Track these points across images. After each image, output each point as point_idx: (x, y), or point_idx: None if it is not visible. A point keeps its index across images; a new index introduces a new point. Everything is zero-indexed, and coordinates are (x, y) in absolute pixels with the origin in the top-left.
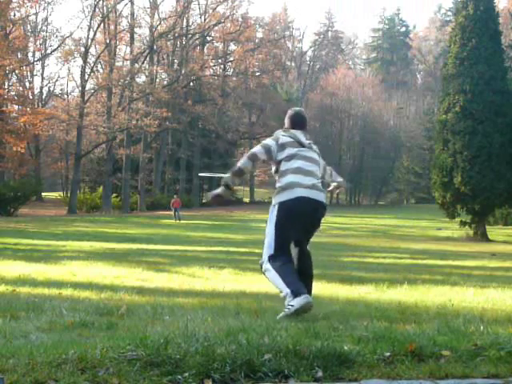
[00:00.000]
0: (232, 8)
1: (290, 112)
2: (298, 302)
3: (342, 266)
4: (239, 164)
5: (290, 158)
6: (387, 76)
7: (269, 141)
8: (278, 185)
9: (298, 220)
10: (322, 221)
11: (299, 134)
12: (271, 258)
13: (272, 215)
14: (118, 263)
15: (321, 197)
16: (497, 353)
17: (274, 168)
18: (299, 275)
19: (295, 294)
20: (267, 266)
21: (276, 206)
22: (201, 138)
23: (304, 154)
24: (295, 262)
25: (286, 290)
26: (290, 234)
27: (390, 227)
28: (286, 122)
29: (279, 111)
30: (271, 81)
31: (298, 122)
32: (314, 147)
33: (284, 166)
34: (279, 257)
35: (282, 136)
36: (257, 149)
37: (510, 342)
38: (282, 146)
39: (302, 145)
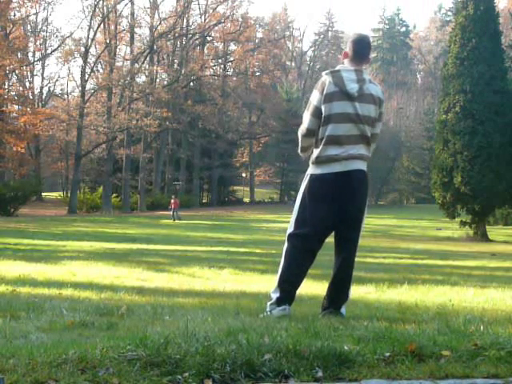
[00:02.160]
0: (232, 8)
1: (353, 36)
2: (275, 311)
3: None
4: (299, 149)
5: (328, 119)
6: (387, 76)
7: (314, 96)
8: (314, 152)
9: (327, 200)
10: (365, 206)
11: (349, 77)
12: (288, 237)
13: (301, 187)
14: (118, 263)
15: (356, 165)
16: (497, 353)
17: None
18: (332, 284)
19: (278, 302)
20: (285, 243)
21: (307, 178)
22: (201, 138)
23: (349, 110)
24: (333, 267)
25: (275, 289)
26: (315, 216)
27: (390, 227)
28: (348, 46)
29: (279, 111)
30: (271, 81)
31: (360, 53)
32: (368, 92)
33: (321, 130)
34: (295, 238)
35: (328, 83)
36: (305, 118)
37: (510, 342)
38: (327, 98)
39: (349, 97)
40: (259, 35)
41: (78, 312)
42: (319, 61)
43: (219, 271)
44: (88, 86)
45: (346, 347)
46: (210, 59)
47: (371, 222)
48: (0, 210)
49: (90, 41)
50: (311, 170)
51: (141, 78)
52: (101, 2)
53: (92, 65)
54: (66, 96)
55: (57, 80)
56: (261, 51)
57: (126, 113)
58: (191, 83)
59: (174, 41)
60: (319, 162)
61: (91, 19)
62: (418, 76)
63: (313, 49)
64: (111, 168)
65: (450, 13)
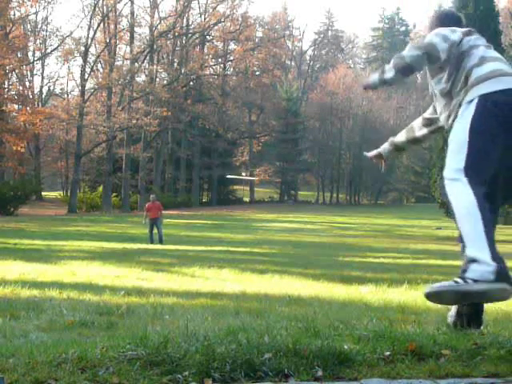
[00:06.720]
0: (232, 7)
1: (437, 11)
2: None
3: (342, 266)
4: (405, 56)
5: (479, 47)
6: None
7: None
8: (472, 77)
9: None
10: None
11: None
12: (465, 171)
13: (466, 114)
14: (118, 263)
15: None
16: (497, 352)
17: (445, 77)
18: None
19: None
20: (457, 175)
21: (475, 101)
22: (201, 138)
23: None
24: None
25: (471, 247)
26: (491, 151)
27: (390, 227)
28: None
29: (279, 111)
30: (271, 80)
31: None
32: None
33: (473, 57)
34: (473, 180)
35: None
36: (431, 39)
37: (510, 342)
38: (467, 33)
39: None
40: (259, 34)
41: (78, 311)
42: (319, 60)
43: (219, 271)
44: (88, 86)
45: (345, 346)
46: (210, 58)
47: (371, 221)
48: (0, 210)
49: (89, 40)
50: (477, 91)
51: (141, 78)
52: (100, 2)
53: (92, 64)
54: (65, 95)
55: (57, 79)
56: (261, 50)
57: (125, 112)
58: (191, 82)
59: (174, 40)
60: (486, 77)
61: (91, 18)
62: (418, 75)
63: (313, 48)
64: (111, 167)
65: None
